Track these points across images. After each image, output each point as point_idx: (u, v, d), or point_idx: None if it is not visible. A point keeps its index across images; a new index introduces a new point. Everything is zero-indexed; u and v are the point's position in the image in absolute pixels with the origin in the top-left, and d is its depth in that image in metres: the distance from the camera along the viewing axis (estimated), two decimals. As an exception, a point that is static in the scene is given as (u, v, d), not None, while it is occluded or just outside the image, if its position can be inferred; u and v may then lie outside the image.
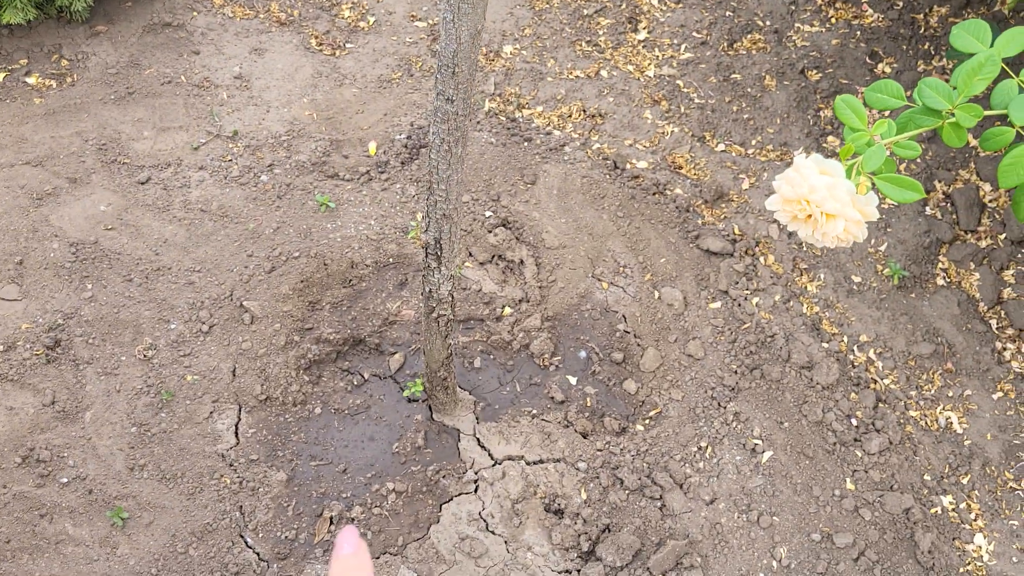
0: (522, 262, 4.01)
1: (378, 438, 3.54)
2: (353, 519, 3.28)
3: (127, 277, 3.75)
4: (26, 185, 3.98)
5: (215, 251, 3.88)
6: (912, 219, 4.20)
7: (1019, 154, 1.88)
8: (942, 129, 1.88)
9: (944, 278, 4.07)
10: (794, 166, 1.70)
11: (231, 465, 3.37)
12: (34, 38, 4.56)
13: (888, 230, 4.18)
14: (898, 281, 4.01)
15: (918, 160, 4.39)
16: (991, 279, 4.02)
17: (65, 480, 3.25)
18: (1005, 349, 3.86)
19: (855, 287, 4.02)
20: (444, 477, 3.39)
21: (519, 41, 4.96)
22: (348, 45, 4.85)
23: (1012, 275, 4.06)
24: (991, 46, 1.90)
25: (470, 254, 4.01)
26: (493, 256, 4.03)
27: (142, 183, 4.08)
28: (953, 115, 1.84)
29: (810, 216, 1.71)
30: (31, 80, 4.42)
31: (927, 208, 4.26)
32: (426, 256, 2.77)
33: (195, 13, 4.85)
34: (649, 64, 4.87)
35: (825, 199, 1.68)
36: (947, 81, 1.88)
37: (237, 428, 3.47)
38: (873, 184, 1.77)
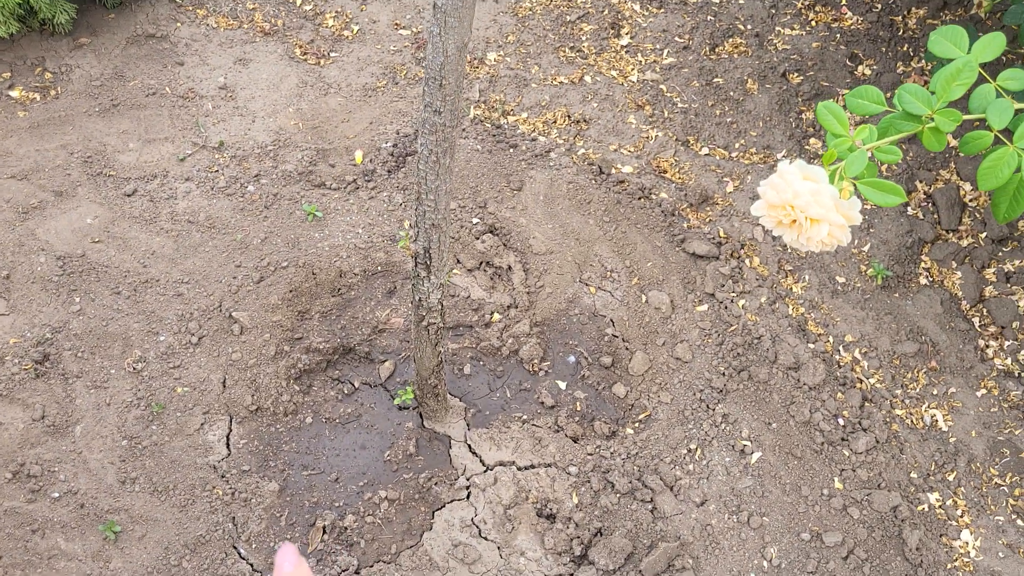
0: (510, 268, 4.04)
1: (369, 446, 3.55)
2: (346, 528, 3.29)
3: (115, 290, 3.75)
4: (11, 199, 3.97)
5: (203, 262, 3.88)
6: (894, 219, 4.25)
7: (998, 157, 1.92)
8: (922, 134, 1.92)
9: (927, 277, 4.12)
10: (778, 172, 1.73)
11: (223, 476, 3.37)
12: (17, 51, 4.55)
13: (871, 231, 4.23)
14: (882, 281, 4.05)
15: (899, 161, 4.44)
16: (973, 278, 4.07)
17: (56, 495, 3.24)
18: (988, 347, 3.91)
19: (839, 288, 4.06)
20: (436, 484, 3.41)
21: (503, 48, 4.99)
22: (332, 54, 4.86)
23: (993, 273, 4.11)
24: (968, 52, 1.94)
25: (458, 261, 4.03)
26: (481, 263, 4.05)
27: (128, 195, 4.07)
28: (933, 120, 1.88)
29: (795, 221, 1.73)
30: (14, 93, 4.41)
31: (909, 208, 4.31)
32: (416, 265, 2.79)
33: (179, 24, 4.85)
34: (632, 69, 4.91)
35: (809, 204, 1.71)
36: (926, 83, 1.91)
37: (228, 439, 3.47)
38: (856, 188, 1.80)
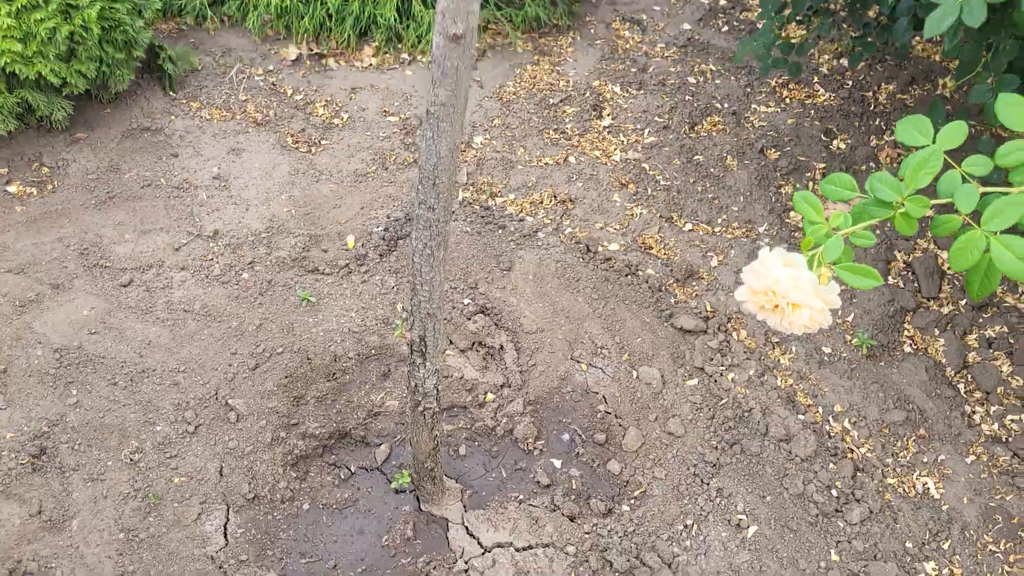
0: (502, 348, 4.10)
1: (367, 531, 3.55)
2: (345, 616, 3.27)
3: (112, 381, 3.78)
4: (8, 293, 4.02)
5: (199, 350, 3.93)
6: (876, 289, 4.35)
7: (967, 240, 2.01)
8: (895, 219, 2.01)
9: (911, 345, 4.20)
10: (759, 259, 1.82)
11: (221, 567, 3.36)
12: (15, 147, 4.66)
13: (854, 300, 4.32)
14: (867, 350, 4.13)
15: (877, 231, 4.57)
16: (956, 344, 4.16)
17: (53, 591, 3.22)
18: (974, 412, 3.97)
19: (826, 358, 4.14)
20: (434, 568, 3.40)
21: (489, 131, 5.14)
22: (323, 142, 5.00)
23: (975, 339, 4.20)
24: (934, 140, 2.05)
25: (450, 342, 4.09)
26: (473, 343, 4.11)
27: (124, 286, 4.14)
28: (904, 206, 1.98)
29: (777, 306, 1.82)
30: (12, 189, 4.50)
31: (889, 277, 4.42)
32: (411, 353, 2.85)
33: (173, 117, 4.98)
34: (615, 149, 5.06)
35: (790, 290, 1.79)
36: (900, 155, 2.02)
37: (226, 529, 3.47)
38: (834, 273, 1.89)
